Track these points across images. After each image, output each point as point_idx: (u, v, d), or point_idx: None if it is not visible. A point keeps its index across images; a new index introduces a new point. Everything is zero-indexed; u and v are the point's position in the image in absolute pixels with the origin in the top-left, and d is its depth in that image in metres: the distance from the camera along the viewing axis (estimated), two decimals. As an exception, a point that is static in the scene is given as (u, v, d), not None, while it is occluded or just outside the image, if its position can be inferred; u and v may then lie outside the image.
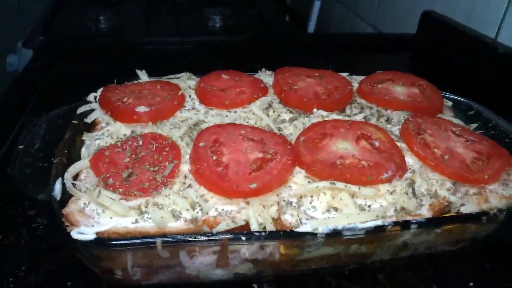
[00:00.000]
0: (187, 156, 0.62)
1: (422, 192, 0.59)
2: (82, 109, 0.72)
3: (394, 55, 1.47)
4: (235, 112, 0.73)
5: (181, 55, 1.32)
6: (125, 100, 0.71)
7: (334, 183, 0.56)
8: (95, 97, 0.76)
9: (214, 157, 0.59)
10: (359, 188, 0.57)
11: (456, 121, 0.76)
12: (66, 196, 0.57)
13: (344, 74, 0.89)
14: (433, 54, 1.35)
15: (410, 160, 0.65)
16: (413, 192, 0.59)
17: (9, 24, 2.41)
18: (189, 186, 0.56)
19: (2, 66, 1.80)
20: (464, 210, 0.57)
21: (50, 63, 1.15)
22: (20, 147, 0.64)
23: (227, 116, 0.72)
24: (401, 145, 0.67)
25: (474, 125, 0.76)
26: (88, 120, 0.70)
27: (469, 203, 0.58)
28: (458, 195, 0.59)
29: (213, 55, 1.31)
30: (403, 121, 0.73)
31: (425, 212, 0.56)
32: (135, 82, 0.81)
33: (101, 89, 0.77)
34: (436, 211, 0.57)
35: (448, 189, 0.59)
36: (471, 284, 0.60)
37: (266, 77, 0.86)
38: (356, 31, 1.84)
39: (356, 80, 0.87)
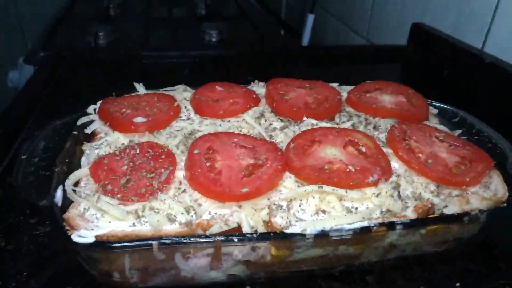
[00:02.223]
0: (182, 163, 0.64)
1: (407, 194, 0.62)
2: (82, 120, 0.75)
3: (386, 66, 1.52)
4: (229, 121, 0.76)
5: (178, 68, 1.36)
6: (123, 111, 0.75)
7: (322, 187, 0.59)
8: (95, 109, 0.80)
9: (208, 164, 0.62)
10: (346, 191, 0.60)
11: (441, 127, 0.79)
12: (67, 202, 0.60)
13: (334, 85, 0.93)
14: (423, 64, 1.40)
15: (396, 164, 0.67)
16: (399, 195, 0.62)
17: (10, 40, 2.46)
18: (184, 191, 0.59)
19: (3, 82, 1.84)
20: (447, 211, 0.60)
21: (51, 77, 1.19)
22: (22, 157, 0.67)
23: (220, 125, 0.75)
24: (387, 150, 0.70)
25: (459, 131, 0.79)
26: (88, 130, 0.74)
27: (451, 204, 0.60)
28: (441, 197, 0.62)
29: (209, 69, 1.35)
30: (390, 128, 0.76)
31: (410, 214, 0.59)
32: (133, 94, 0.84)
33: (100, 102, 0.80)
34: (420, 212, 0.59)
35: (432, 191, 0.62)
36: (457, 284, 0.62)
37: (258, 88, 0.89)
38: (349, 43, 1.90)
39: (345, 90, 0.91)
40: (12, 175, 0.66)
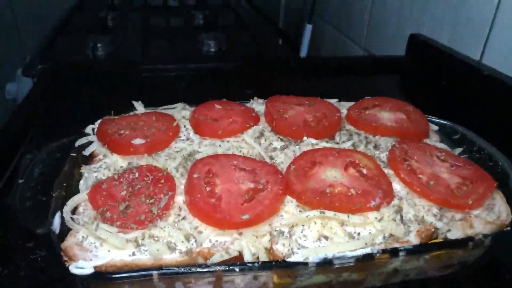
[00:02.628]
0: (182, 187, 0.64)
1: (409, 218, 0.61)
2: (80, 141, 0.74)
3: (384, 76, 1.52)
4: (228, 141, 0.76)
5: (176, 81, 1.36)
6: (121, 132, 0.74)
7: (324, 212, 0.59)
8: (93, 129, 0.79)
9: (208, 188, 0.61)
10: (348, 216, 0.59)
11: (441, 145, 0.79)
12: (65, 228, 0.59)
13: (333, 101, 0.92)
14: (421, 75, 1.40)
15: (397, 186, 0.67)
16: (401, 219, 0.61)
17: (8, 51, 2.46)
18: (184, 218, 0.58)
19: (1, 94, 1.83)
20: (451, 235, 0.59)
21: (49, 92, 1.18)
22: (20, 181, 0.66)
23: (220, 146, 0.74)
24: (388, 171, 0.69)
25: (459, 150, 0.79)
26: (86, 152, 0.73)
27: (454, 228, 0.60)
28: (444, 220, 0.61)
29: (207, 81, 1.35)
30: (390, 147, 0.76)
31: (413, 239, 0.58)
32: (131, 113, 0.83)
33: (98, 121, 0.80)
34: (423, 237, 0.59)
35: (434, 214, 0.62)
36: (463, 308, 0.61)
37: (258, 105, 0.89)
38: (348, 53, 1.90)
39: (344, 107, 0.90)
40: (9, 196, 0.65)
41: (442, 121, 0.87)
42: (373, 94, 1.08)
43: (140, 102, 0.87)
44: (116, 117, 0.81)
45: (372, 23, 1.75)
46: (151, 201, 0.59)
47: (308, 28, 1.84)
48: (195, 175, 0.63)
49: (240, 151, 0.74)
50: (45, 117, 1.07)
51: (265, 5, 2.48)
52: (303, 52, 1.86)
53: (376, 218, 0.60)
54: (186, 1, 2.52)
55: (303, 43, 1.81)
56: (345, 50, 1.93)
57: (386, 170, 0.69)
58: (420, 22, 1.45)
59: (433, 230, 0.60)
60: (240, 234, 0.57)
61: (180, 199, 0.61)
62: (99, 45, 1.75)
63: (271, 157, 0.73)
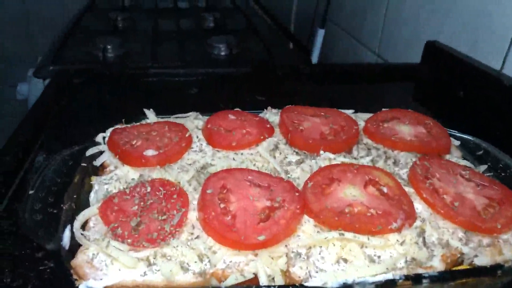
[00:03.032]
0: (195, 202, 0.62)
1: (433, 241, 0.58)
2: (91, 151, 0.73)
3: (398, 84, 1.48)
4: (242, 154, 0.73)
5: (186, 86, 1.34)
6: (133, 143, 0.72)
7: (344, 234, 0.56)
8: (104, 138, 0.77)
9: (222, 205, 0.59)
10: (368, 238, 0.56)
11: (464, 162, 0.75)
12: (75, 242, 0.57)
13: (349, 112, 0.89)
14: (437, 85, 1.36)
15: (419, 206, 0.64)
16: (424, 242, 0.58)
17: (20, 52, 2.47)
18: (197, 237, 0.56)
19: (12, 94, 1.83)
20: (478, 261, 0.57)
21: (59, 97, 1.17)
22: (30, 192, 0.64)
23: (234, 158, 0.72)
24: (409, 189, 0.67)
25: (484, 167, 0.75)
26: (97, 163, 0.71)
27: (482, 254, 0.57)
28: (470, 245, 0.58)
29: (217, 87, 1.33)
30: (410, 163, 0.73)
31: (437, 264, 0.55)
32: (143, 122, 0.81)
33: (109, 130, 0.78)
34: (448, 262, 0.56)
35: (460, 238, 0.59)
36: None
37: (271, 115, 0.86)
38: (360, 58, 1.87)
39: (361, 118, 0.87)
40: (19, 203, 0.64)
41: (465, 136, 0.84)
42: (387, 102, 1.05)
43: (151, 110, 0.85)
44: (128, 125, 0.80)
45: (386, 28, 1.71)
46: (164, 217, 0.57)
47: (321, 33, 1.81)
48: (208, 191, 0.60)
49: (254, 165, 0.71)
50: (56, 122, 1.05)
51: (276, 8, 2.46)
52: (315, 57, 1.83)
53: (397, 240, 0.57)
54: (196, 3, 2.51)
55: (315, 49, 1.78)
56: (357, 56, 1.90)
57: (406, 189, 0.66)
58: (437, 29, 1.41)
59: (458, 255, 0.57)
60: (256, 255, 0.54)
61: (193, 215, 0.59)
62: (109, 47, 1.74)
63: (286, 172, 0.70)
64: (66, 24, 2.04)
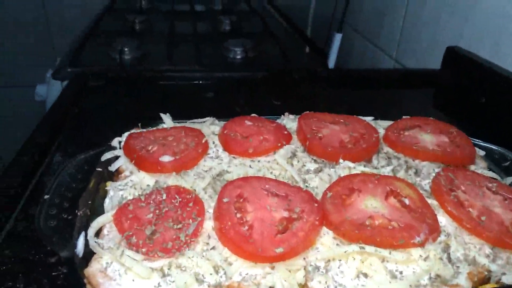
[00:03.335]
0: (211, 210, 0.60)
1: (458, 257, 0.56)
2: (106, 156, 0.72)
3: (417, 91, 1.45)
4: (259, 161, 0.72)
5: (202, 89, 1.34)
6: (149, 148, 0.71)
7: (364, 248, 0.54)
8: (119, 142, 0.77)
9: (238, 215, 0.57)
10: (389, 253, 0.54)
11: (490, 173, 0.72)
12: (89, 249, 0.56)
13: (369, 119, 0.87)
14: (458, 91, 1.32)
15: (443, 219, 0.61)
16: (449, 258, 0.55)
17: (40, 53, 2.51)
18: (213, 247, 0.55)
19: (31, 95, 1.86)
20: (506, 279, 0.54)
21: (77, 99, 1.18)
22: (46, 197, 0.64)
23: (250, 166, 0.70)
24: (432, 201, 0.64)
25: (510, 179, 0.72)
26: (112, 168, 0.70)
27: (510, 272, 0.54)
28: (498, 262, 0.55)
29: (234, 90, 1.32)
30: (433, 174, 0.70)
31: (463, 282, 0.53)
32: (160, 127, 0.81)
33: (125, 134, 0.78)
34: (476, 281, 0.53)
35: (487, 255, 0.56)
36: None
37: (289, 122, 0.85)
38: (378, 64, 1.83)
39: (381, 126, 0.85)
40: (35, 205, 0.64)
41: (490, 146, 0.81)
42: (406, 109, 1.02)
43: (168, 114, 0.85)
44: (144, 130, 0.79)
45: (405, 33, 1.68)
46: (179, 226, 0.56)
47: (338, 37, 1.79)
48: (225, 199, 0.59)
49: (272, 173, 0.70)
50: (73, 124, 1.06)
51: (293, 12, 2.44)
52: (331, 62, 1.80)
53: (421, 256, 0.55)
54: (213, 6, 2.51)
55: (331, 54, 1.76)
56: (375, 61, 1.86)
57: (429, 201, 0.64)
58: (457, 34, 1.37)
59: (486, 273, 0.54)
60: (273, 267, 0.53)
61: (209, 224, 0.58)
62: (126, 49, 1.75)
63: (304, 180, 0.68)
64: (85, 26, 2.07)
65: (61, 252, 0.55)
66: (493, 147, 0.81)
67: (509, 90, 1.10)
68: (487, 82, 1.20)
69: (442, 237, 0.58)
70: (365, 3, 1.93)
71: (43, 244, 0.68)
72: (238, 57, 1.79)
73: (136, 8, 2.42)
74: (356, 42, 2.02)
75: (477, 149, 0.79)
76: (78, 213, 0.61)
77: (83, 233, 0.57)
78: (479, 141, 0.82)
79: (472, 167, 0.75)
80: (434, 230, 0.57)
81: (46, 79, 1.82)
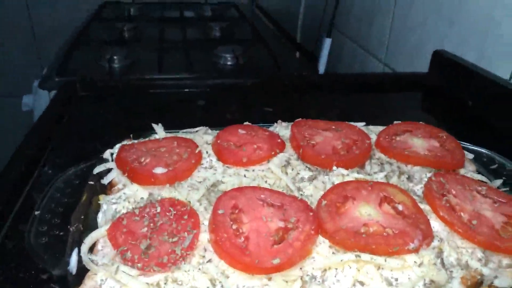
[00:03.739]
0: (206, 223, 0.60)
1: (451, 262, 0.57)
2: (98, 169, 0.71)
3: (406, 94, 1.47)
4: (253, 170, 0.72)
5: (193, 97, 1.33)
6: (142, 160, 0.71)
7: (360, 256, 0.54)
8: (112, 154, 0.76)
9: (234, 226, 0.57)
10: (385, 260, 0.55)
11: (480, 177, 0.74)
12: (83, 265, 0.56)
13: (361, 125, 0.88)
14: (445, 94, 1.34)
15: (435, 224, 0.62)
16: (442, 263, 0.56)
17: (26, 63, 2.48)
18: (209, 260, 0.54)
19: (18, 105, 1.83)
20: (498, 283, 0.54)
21: (65, 109, 1.16)
22: (36, 213, 0.63)
23: (245, 175, 0.70)
24: (425, 206, 0.65)
25: (499, 182, 0.73)
26: (105, 181, 0.70)
27: (502, 275, 0.55)
28: (490, 265, 0.56)
29: (225, 97, 1.32)
30: (425, 178, 0.71)
31: (457, 287, 0.53)
32: (152, 138, 0.80)
33: (117, 146, 0.77)
34: (469, 285, 0.54)
35: (479, 259, 0.57)
36: None
37: (282, 129, 0.85)
38: (367, 68, 1.85)
39: (373, 131, 0.86)
40: (25, 221, 0.62)
41: (478, 149, 0.82)
42: (395, 112, 1.03)
43: (160, 124, 0.84)
44: (136, 141, 0.78)
45: (393, 37, 1.70)
46: (174, 239, 0.55)
47: (327, 41, 1.80)
48: (220, 211, 0.59)
49: (266, 182, 0.70)
50: (61, 135, 1.05)
51: (283, 17, 2.45)
52: (321, 67, 1.82)
53: (415, 262, 0.55)
54: (203, 13, 2.51)
55: (321, 59, 1.77)
56: (364, 65, 1.89)
57: (422, 206, 0.64)
58: (444, 37, 1.39)
59: (478, 277, 0.55)
60: (270, 278, 0.53)
61: (204, 237, 0.58)
62: (115, 57, 1.74)
63: (299, 189, 0.69)
64: (72, 34, 2.04)
65: (53, 270, 0.54)
66: (481, 150, 0.82)
67: (495, 93, 1.12)
68: (473, 85, 1.22)
69: (435, 242, 0.59)
70: (353, 8, 1.95)
71: (34, 261, 0.67)
72: (229, 63, 1.79)
73: (125, 15, 2.41)
74: (345, 46, 2.04)
75: (465, 152, 0.80)
76: (71, 229, 0.60)
77: (76, 250, 0.57)
78: (468, 144, 0.84)
79: (462, 171, 0.76)
80: (428, 235, 0.58)
81: (33, 89, 1.79)
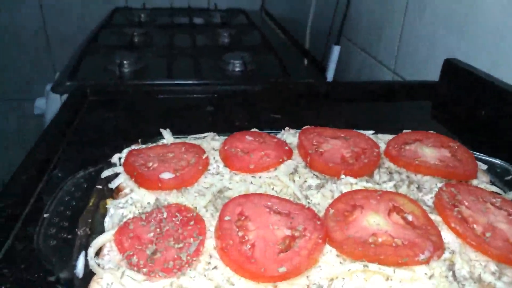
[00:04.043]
0: (212, 229, 0.60)
1: (464, 275, 0.55)
2: (106, 173, 0.72)
3: (416, 103, 1.45)
4: (260, 177, 0.71)
5: (201, 103, 1.34)
6: (150, 165, 0.71)
7: (367, 266, 0.53)
8: (119, 158, 0.76)
9: (240, 233, 0.56)
10: (394, 271, 0.53)
11: (494, 189, 0.72)
12: (89, 269, 0.56)
13: (369, 133, 0.87)
14: (457, 104, 1.33)
15: (447, 236, 0.61)
16: (454, 276, 0.55)
17: (39, 67, 2.52)
18: (215, 267, 0.54)
19: (30, 108, 1.86)
20: (511, 298, 0.53)
21: (76, 114, 1.18)
22: (45, 215, 0.63)
23: (252, 182, 0.70)
24: (435, 217, 0.64)
25: (513, 194, 0.72)
26: (112, 185, 0.70)
27: (516, 290, 0.53)
28: (504, 279, 0.55)
29: (233, 104, 1.32)
30: (435, 188, 0.70)
31: (469, 301, 0.52)
32: (160, 143, 0.80)
33: (125, 150, 0.77)
34: (481, 299, 0.52)
35: (492, 272, 0.55)
36: None
37: (289, 136, 0.84)
38: (376, 76, 1.84)
39: (382, 140, 0.85)
40: (34, 224, 0.63)
41: (491, 159, 0.80)
42: (405, 121, 1.02)
43: (168, 130, 0.84)
44: (144, 146, 0.79)
45: (403, 45, 1.69)
46: (180, 245, 0.55)
47: (336, 49, 1.80)
48: (226, 218, 0.58)
49: (273, 189, 0.69)
50: (72, 140, 1.06)
51: (291, 25, 2.46)
52: (330, 74, 1.81)
53: (425, 274, 0.54)
54: (212, 19, 2.53)
55: (330, 67, 1.77)
56: (373, 73, 1.88)
57: (432, 217, 0.63)
58: (455, 46, 1.38)
59: (491, 291, 0.54)
60: (275, 287, 0.52)
61: (210, 243, 0.57)
62: (125, 62, 1.76)
63: (306, 197, 0.68)
64: (84, 39, 2.08)
65: (60, 273, 0.54)
66: (495, 160, 0.81)
67: (508, 103, 1.10)
68: (486, 95, 1.20)
69: (446, 254, 0.57)
70: (363, 16, 1.95)
71: (42, 263, 0.67)
72: (237, 70, 1.80)
73: (135, 21, 2.44)
74: (354, 55, 2.03)
75: (478, 163, 0.78)
76: (78, 232, 0.60)
77: (83, 253, 0.56)
78: (481, 154, 0.82)
79: (475, 182, 0.74)
80: (439, 247, 0.57)
81: (45, 93, 1.82)
